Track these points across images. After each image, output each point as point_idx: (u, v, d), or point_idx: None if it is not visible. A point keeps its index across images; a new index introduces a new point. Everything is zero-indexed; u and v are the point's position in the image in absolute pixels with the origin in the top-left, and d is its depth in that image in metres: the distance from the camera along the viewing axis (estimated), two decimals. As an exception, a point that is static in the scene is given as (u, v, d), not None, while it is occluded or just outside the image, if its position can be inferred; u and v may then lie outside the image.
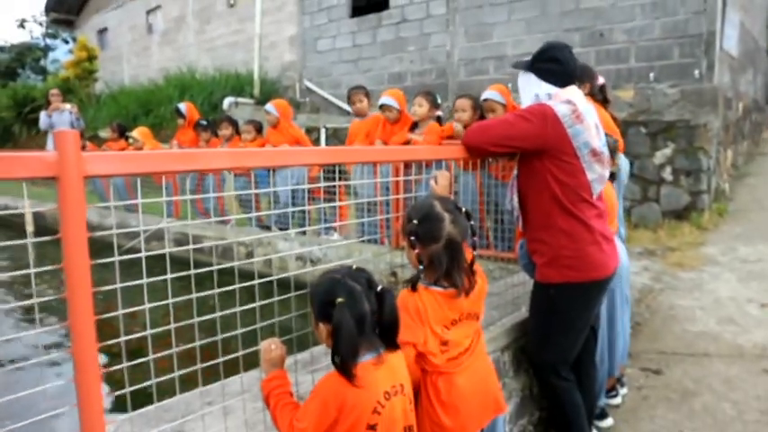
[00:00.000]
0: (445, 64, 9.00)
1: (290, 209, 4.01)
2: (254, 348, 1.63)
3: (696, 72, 6.70)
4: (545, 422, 2.90)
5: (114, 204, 2.37)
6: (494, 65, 8.51)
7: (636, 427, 2.87)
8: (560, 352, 2.41)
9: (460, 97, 4.55)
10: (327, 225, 5.47)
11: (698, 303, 4.31)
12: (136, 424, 1.58)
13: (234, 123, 6.57)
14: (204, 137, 6.70)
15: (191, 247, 1.55)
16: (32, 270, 1.20)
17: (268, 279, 1.70)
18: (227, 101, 10.59)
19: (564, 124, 2.16)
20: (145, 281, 1.42)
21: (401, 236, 1.81)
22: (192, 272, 1.51)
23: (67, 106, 9.00)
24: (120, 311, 1.35)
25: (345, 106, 10.17)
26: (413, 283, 1.75)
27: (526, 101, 2.35)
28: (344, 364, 1.40)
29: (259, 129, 6.23)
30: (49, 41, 25.42)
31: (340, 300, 1.41)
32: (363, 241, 4.91)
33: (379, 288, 1.48)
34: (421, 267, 1.74)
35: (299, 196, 5.19)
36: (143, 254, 1.41)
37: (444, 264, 1.73)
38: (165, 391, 1.65)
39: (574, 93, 2.29)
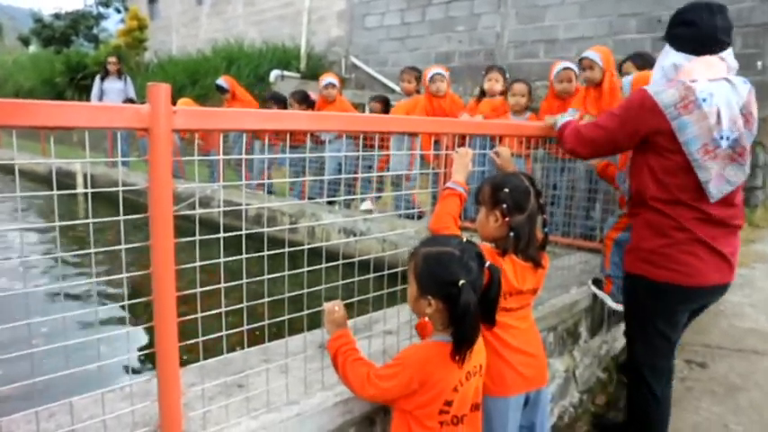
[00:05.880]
0: (494, 45, 8.86)
1: (322, 179, 4.02)
2: (316, 310, 1.68)
3: (759, 63, 6.44)
4: (586, 405, 2.90)
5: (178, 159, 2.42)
6: (544, 48, 8.33)
7: (680, 417, 2.84)
8: (642, 354, 2.25)
9: (517, 81, 4.46)
10: (362, 196, 5.45)
11: (748, 300, 4.20)
12: (198, 375, 1.65)
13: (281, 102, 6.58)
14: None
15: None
16: (122, 217, 1.26)
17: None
18: (274, 74, 10.67)
19: (666, 116, 1.91)
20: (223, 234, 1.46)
21: (486, 205, 1.79)
22: (264, 229, 1.55)
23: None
24: (197, 263, 1.40)
25: (391, 84, 10.16)
26: (504, 249, 1.75)
27: (655, 75, 2.14)
28: (466, 346, 1.39)
29: (301, 101, 6.14)
30: (101, 10, 25.88)
31: (463, 281, 1.36)
32: (402, 216, 4.91)
33: (487, 264, 1.45)
34: (511, 234, 1.74)
35: (345, 170, 5.22)
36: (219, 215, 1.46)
37: (526, 235, 1.74)
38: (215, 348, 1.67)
39: (703, 67, 1.98)
